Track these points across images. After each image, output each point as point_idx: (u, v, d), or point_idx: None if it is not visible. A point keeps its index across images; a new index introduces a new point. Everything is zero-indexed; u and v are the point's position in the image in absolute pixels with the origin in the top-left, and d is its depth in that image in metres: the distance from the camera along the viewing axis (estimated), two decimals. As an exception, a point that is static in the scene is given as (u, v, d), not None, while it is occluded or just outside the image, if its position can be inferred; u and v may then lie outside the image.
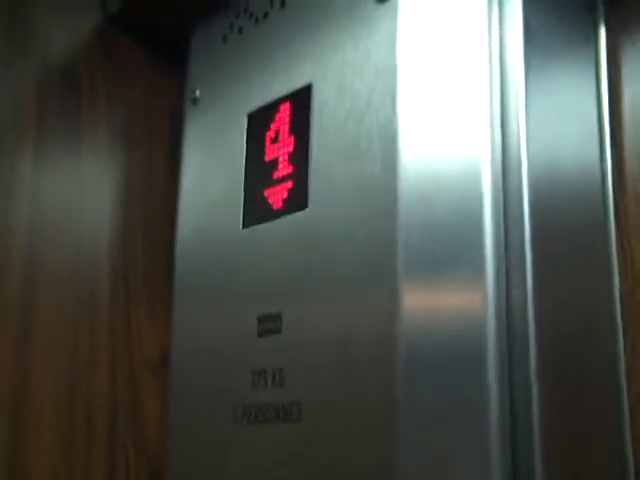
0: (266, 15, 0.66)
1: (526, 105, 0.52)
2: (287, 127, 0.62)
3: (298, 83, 0.62)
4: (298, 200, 0.59)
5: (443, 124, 0.53)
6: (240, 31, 0.69)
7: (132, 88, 0.76)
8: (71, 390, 0.67)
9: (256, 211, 0.63)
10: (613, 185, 0.57)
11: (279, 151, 0.62)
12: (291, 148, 0.61)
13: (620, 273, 0.56)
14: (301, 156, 0.60)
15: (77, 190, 0.71)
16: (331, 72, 0.59)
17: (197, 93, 0.71)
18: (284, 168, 0.61)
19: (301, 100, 0.61)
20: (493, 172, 0.51)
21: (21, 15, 0.70)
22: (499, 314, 0.48)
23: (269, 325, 0.59)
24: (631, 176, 0.57)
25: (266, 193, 0.62)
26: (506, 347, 0.48)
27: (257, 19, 0.67)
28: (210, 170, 0.69)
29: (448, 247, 0.50)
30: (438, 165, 0.52)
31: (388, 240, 0.52)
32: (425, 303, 0.51)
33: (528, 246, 0.49)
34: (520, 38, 0.53)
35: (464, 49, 0.53)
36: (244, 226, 0.64)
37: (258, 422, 0.58)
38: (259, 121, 0.65)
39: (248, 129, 0.66)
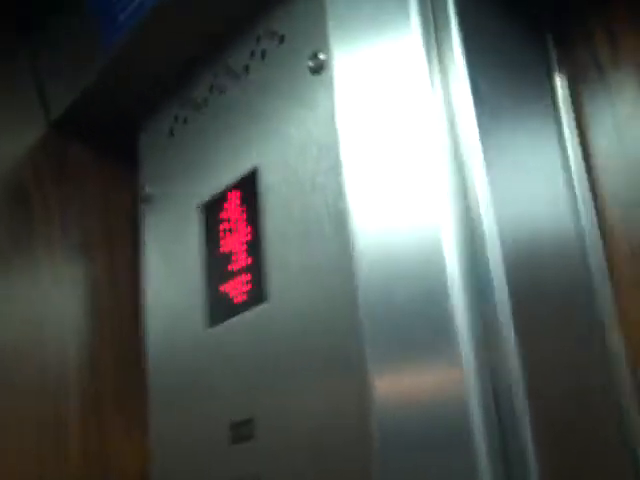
0: (206, 102, 0.63)
1: (485, 166, 0.48)
2: (238, 216, 0.58)
3: (244, 168, 0.58)
4: (258, 292, 0.56)
5: (397, 198, 0.49)
6: (185, 121, 0.66)
7: (85, 194, 0.73)
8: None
9: (219, 308, 0.59)
10: (594, 238, 0.53)
11: (234, 242, 0.59)
12: (244, 238, 0.58)
13: (619, 330, 0.52)
14: (255, 246, 0.56)
15: (38, 309, 0.67)
16: (275, 154, 0.56)
17: (149, 190, 0.68)
18: (240, 260, 0.58)
19: (248, 187, 0.58)
20: (457, 244, 0.47)
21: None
22: (483, 390, 0.44)
23: (242, 432, 0.54)
24: (616, 229, 0.53)
25: (226, 288, 0.59)
26: (496, 421, 0.44)
27: (199, 106, 0.64)
28: (170, 270, 0.65)
29: (417, 329, 0.46)
30: (396, 243, 0.48)
31: (352, 329, 0.48)
32: (398, 388, 0.46)
33: (505, 316, 0.45)
34: (469, 100, 0.49)
35: (409, 115, 0.50)
36: (209, 326, 0.60)
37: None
38: (211, 212, 0.61)
39: (201, 222, 0.62)
